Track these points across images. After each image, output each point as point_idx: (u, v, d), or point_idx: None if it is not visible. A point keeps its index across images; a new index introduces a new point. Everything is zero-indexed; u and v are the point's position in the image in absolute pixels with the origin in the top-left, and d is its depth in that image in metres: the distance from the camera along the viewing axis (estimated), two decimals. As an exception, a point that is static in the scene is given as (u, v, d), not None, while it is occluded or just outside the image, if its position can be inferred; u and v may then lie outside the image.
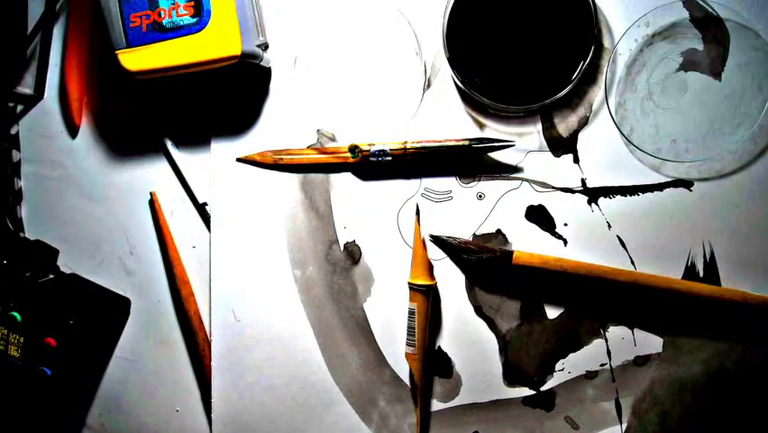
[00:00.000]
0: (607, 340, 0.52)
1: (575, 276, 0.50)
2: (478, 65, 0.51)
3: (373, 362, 0.56)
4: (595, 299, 0.52)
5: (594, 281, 0.50)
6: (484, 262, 0.52)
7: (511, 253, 0.51)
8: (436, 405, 0.55)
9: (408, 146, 0.53)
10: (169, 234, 0.58)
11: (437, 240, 0.54)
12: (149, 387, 0.60)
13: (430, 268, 0.53)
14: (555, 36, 0.49)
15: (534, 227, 0.53)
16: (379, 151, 0.53)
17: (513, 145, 0.52)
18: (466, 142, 0.52)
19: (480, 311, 0.54)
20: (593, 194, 0.52)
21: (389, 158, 0.53)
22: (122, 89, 0.59)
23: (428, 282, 0.52)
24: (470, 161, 0.53)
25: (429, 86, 0.54)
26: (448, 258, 0.54)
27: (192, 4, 0.51)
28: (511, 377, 0.54)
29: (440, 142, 0.52)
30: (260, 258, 0.57)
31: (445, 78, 0.54)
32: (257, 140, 0.57)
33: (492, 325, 0.54)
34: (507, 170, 0.53)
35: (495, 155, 0.53)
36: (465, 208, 0.54)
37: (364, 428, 0.56)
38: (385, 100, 0.54)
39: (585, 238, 0.52)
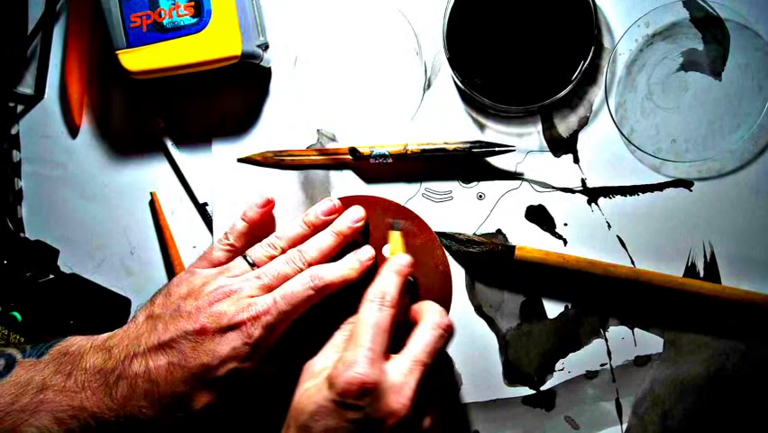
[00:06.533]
0: (607, 340, 0.52)
1: (576, 273, 0.50)
2: (478, 65, 0.51)
3: (373, 362, 0.55)
4: (596, 298, 0.52)
5: (595, 279, 0.50)
6: (487, 254, 0.52)
7: (513, 247, 0.51)
8: (436, 405, 0.55)
9: (408, 149, 0.53)
10: (170, 234, 0.58)
11: (444, 235, 0.53)
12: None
13: None
14: (555, 36, 0.49)
15: (534, 227, 0.53)
16: (380, 155, 0.53)
17: (513, 150, 0.52)
18: (466, 146, 0.52)
19: (480, 310, 0.54)
20: (593, 194, 0.52)
21: (390, 160, 0.53)
22: (122, 89, 0.59)
23: None
24: (470, 163, 0.53)
25: (429, 86, 0.54)
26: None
27: (192, 4, 0.51)
28: (511, 376, 0.54)
29: (440, 145, 0.52)
30: (261, 258, 0.57)
31: (445, 78, 0.54)
32: (258, 140, 0.57)
33: (492, 324, 0.54)
34: (507, 174, 0.53)
35: (495, 158, 0.53)
36: (465, 208, 0.54)
37: (364, 428, 0.56)
38: (385, 100, 0.54)
39: (585, 238, 0.52)
